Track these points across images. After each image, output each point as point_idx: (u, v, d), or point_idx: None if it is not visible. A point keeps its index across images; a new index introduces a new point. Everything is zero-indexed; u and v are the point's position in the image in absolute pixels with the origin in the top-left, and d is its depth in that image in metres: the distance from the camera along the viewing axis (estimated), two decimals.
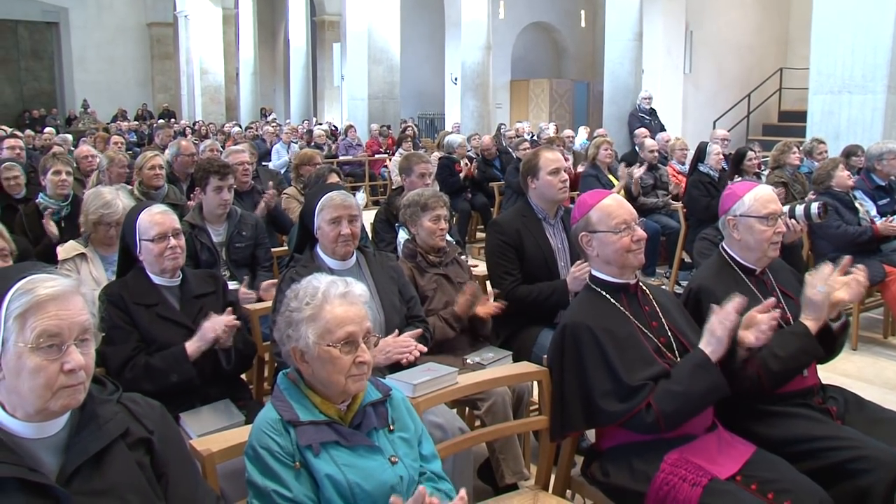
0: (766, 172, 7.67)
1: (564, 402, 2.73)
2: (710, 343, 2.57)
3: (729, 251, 3.13)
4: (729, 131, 13.12)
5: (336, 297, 2.13)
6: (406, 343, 3.13)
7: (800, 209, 4.46)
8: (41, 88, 29.44)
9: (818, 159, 7.52)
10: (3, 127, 16.62)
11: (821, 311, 2.77)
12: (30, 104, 28.36)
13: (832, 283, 2.77)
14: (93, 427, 1.74)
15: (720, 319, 2.56)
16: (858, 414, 2.96)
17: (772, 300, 2.68)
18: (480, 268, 4.46)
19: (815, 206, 4.45)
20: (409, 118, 21.25)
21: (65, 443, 1.72)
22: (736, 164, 7.37)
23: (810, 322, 2.77)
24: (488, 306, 3.78)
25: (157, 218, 3.21)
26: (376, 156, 14.60)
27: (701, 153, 7.46)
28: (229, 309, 3.19)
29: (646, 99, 12.75)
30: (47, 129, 15.70)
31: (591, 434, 3.32)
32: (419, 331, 3.26)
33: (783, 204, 3.81)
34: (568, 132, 12.96)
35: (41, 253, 4.84)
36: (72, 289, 1.69)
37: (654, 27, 16.54)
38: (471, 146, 12.18)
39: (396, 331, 3.24)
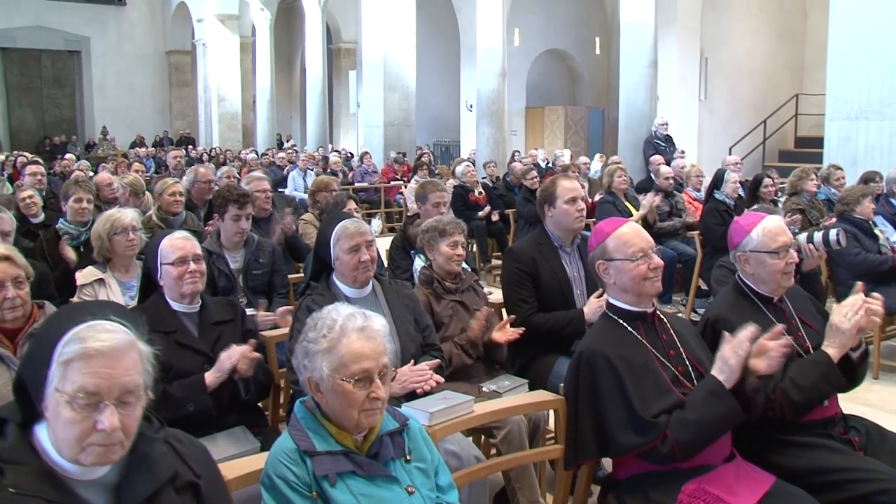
0: (783, 199, 7.64)
1: (578, 430, 2.72)
2: (723, 371, 2.55)
3: (745, 280, 3.11)
4: (744, 158, 13.15)
5: (354, 331, 2.12)
6: (422, 372, 3.12)
7: (818, 236, 4.43)
8: (62, 115, 29.83)
9: (835, 185, 7.49)
10: (25, 153, 16.85)
11: (847, 340, 2.74)
12: (51, 131, 28.71)
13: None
14: (143, 469, 1.71)
15: (733, 348, 2.54)
16: (881, 445, 2.91)
17: (781, 327, 2.64)
18: (496, 295, 4.45)
19: (833, 233, 4.41)
20: (425, 145, 21.32)
21: (114, 483, 1.69)
22: (753, 190, 7.34)
23: (833, 350, 2.75)
24: (506, 331, 3.76)
25: (178, 243, 3.25)
26: (392, 182, 14.64)
27: (717, 180, 7.44)
28: (252, 342, 3.19)
29: (662, 125, 12.74)
30: (67, 156, 15.86)
31: (607, 463, 3.29)
32: (436, 361, 3.25)
33: (801, 231, 3.79)
34: (583, 159, 12.99)
35: (59, 278, 4.88)
36: (125, 345, 1.65)
37: (669, 54, 16.58)
38: (486, 173, 12.22)
39: (412, 360, 3.24)
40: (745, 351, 2.53)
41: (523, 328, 3.80)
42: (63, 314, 1.74)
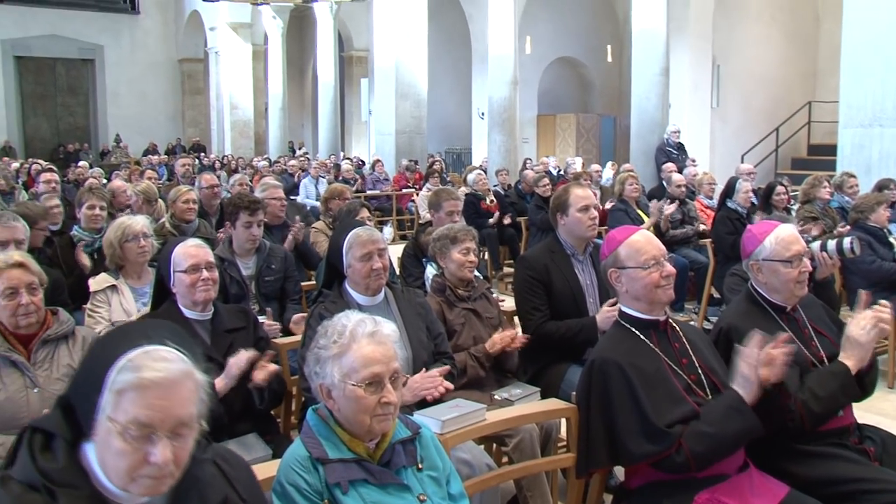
0: (795, 207, 7.60)
1: (590, 439, 2.71)
2: (743, 385, 2.54)
3: (758, 289, 3.09)
4: (757, 165, 13.08)
5: (364, 337, 2.13)
6: (433, 379, 3.12)
7: (832, 244, 4.40)
8: (76, 123, 30.01)
9: (849, 193, 7.45)
10: (40, 161, 16.96)
11: (866, 353, 2.72)
12: (65, 139, 28.88)
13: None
14: (193, 494, 1.67)
15: (747, 361, 2.53)
16: None
17: (786, 335, 2.63)
18: (508, 303, 4.44)
19: (847, 241, 4.38)
20: (436, 153, 21.35)
21: None
22: (765, 198, 7.31)
23: (850, 362, 2.73)
24: (504, 333, 3.77)
25: (191, 251, 3.27)
26: (403, 190, 14.67)
27: (730, 189, 7.41)
28: (270, 353, 3.20)
29: (674, 133, 12.71)
30: (81, 163, 15.95)
31: (619, 472, 3.28)
32: (446, 368, 3.25)
33: (814, 239, 3.78)
34: (595, 167, 12.97)
35: (73, 284, 4.91)
36: (181, 375, 1.58)
37: (681, 61, 16.55)
38: (498, 181, 12.21)
39: (424, 368, 3.24)
40: (757, 360, 2.52)
41: (527, 335, 3.79)
42: (117, 336, 1.66)
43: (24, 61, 28.56)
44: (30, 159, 20.01)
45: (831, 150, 10.32)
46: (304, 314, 4.26)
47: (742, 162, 14.97)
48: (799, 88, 18.62)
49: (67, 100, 29.90)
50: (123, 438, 1.52)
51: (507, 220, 9.85)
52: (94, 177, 10.69)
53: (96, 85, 29.87)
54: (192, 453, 1.65)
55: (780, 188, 7.32)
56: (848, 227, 6.09)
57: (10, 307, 3.02)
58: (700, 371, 2.75)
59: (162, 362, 1.57)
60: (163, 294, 3.35)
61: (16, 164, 17.19)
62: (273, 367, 3.14)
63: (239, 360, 3.08)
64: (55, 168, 10.36)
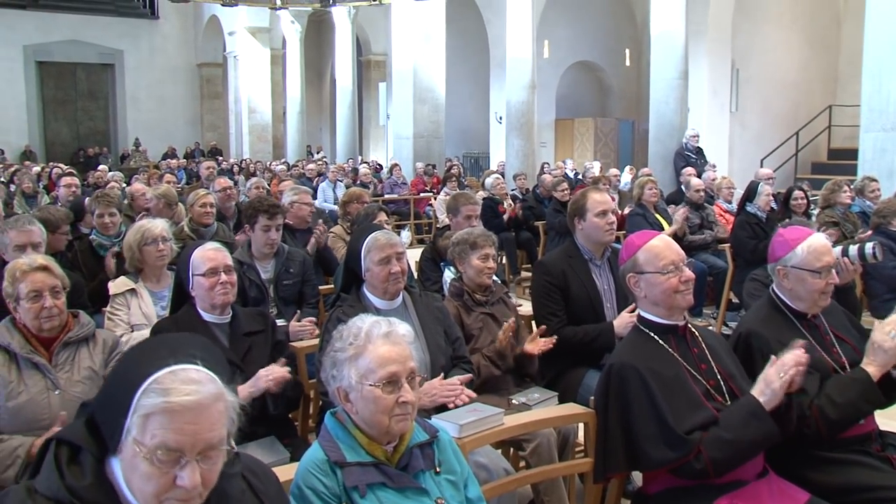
0: (815, 212, 7.55)
1: (608, 444, 2.70)
2: (765, 393, 2.52)
3: (780, 295, 3.06)
4: (776, 170, 13.00)
5: (379, 337, 2.14)
6: (453, 387, 3.11)
7: (853, 249, 4.36)
8: (96, 127, 30.25)
9: (870, 198, 7.38)
10: (60, 165, 17.10)
11: (889, 359, 2.70)
12: (85, 143, 29.10)
13: None
14: None
15: (778, 370, 2.51)
16: None
17: (804, 342, 2.61)
18: (526, 307, 4.44)
19: (869, 246, 4.34)
20: (454, 157, 21.36)
21: None
22: (786, 203, 7.26)
23: (872, 369, 2.70)
24: (538, 342, 3.75)
25: (209, 254, 3.28)
26: (421, 194, 14.67)
27: (750, 193, 7.36)
28: (282, 360, 3.20)
29: (693, 137, 12.66)
30: (101, 167, 16.07)
31: (637, 477, 3.27)
32: (468, 376, 3.23)
33: (835, 244, 3.74)
34: (613, 171, 12.94)
35: (95, 288, 4.94)
36: (211, 399, 1.52)
37: (700, 66, 16.49)
38: (516, 185, 12.20)
39: (442, 373, 3.23)
40: (791, 376, 2.50)
41: (555, 337, 3.79)
42: (142, 353, 1.61)
43: (45, 66, 28.84)
44: (50, 163, 20.19)
45: (852, 154, 10.24)
46: (308, 321, 4.29)
47: (761, 166, 14.89)
48: (819, 92, 18.51)
49: (87, 104, 30.15)
50: (151, 462, 1.48)
51: (518, 211, 9.86)
52: (115, 181, 10.75)
53: (116, 89, 30.10)
54: (222, 468, 1.61)
55: (797, 192, 7.27)
56: (869, 232, 6.03)
57: (33, 310, 3.05)
58: (719, 376, 2.73)
59: (191, 385, 1.52)
60: (181, 297, 3.36)
61: (37, 168, 17.34)
62: (284, 371, 3.14)
63: (270, 372, 3.08)
64: (75, 172, 10.45)
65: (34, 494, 1.53)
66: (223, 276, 3.23)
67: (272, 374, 3.09)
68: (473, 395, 3.13)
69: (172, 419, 1.48)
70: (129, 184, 10.01)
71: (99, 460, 1.57)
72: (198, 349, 1.60)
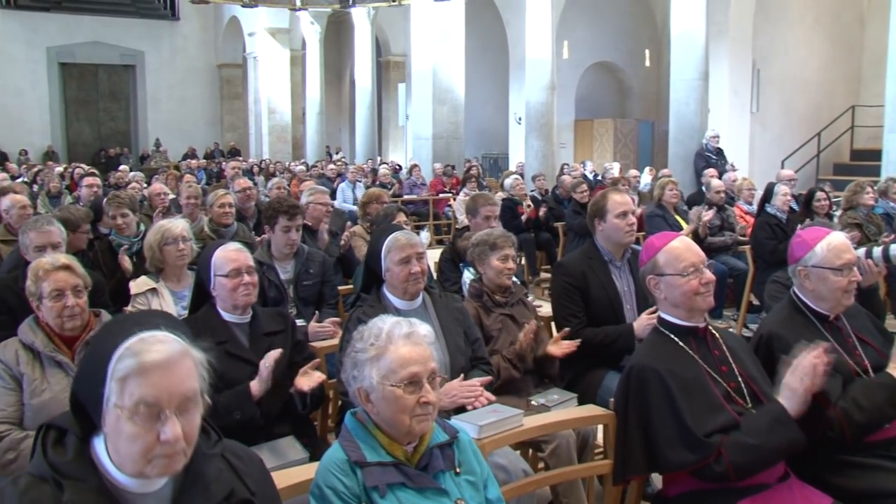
0: (838, 213, 7.48)
1: (628, 445, 2.69)
2: (789, 398, 2.50)
3: (801, 296, 3.03)
4: (798, 171, 12.90)
5: (400, 338, 2.14)
6: (472, 388, 3.11)
7: (877, 251, 4.32)
8: (117, 128, 30.50)
9: (894, 200, 7.32)
10: (82, 165, 17.25)
11: None
12: (106, 143, 29.34)
13: None
14: (199, 488, 1.71)
15: (800, 375, 2.49)
16: None
17: (826, 344, 2.59)
18: (545, 308, 4.43)
19: (894, 248, 4.31)
20: (473, 157, 21.34)
21: (170, 499, 1.68)
22: (807, 204, 7.20)
23: None
24: (562, 345, 3.74)
25: (231, 255, 3.29)
26: (440, 195, 14.67)
27: (769, 194, 7.32)
28: (316, 362, 3.22)
29: (713, 137, 12.58)
30: (122, 167, 16.19)
31: (657, 480, 3.25)
32: (488, 378, 3.23)
33: (858, 246, 3.71)
34: (633, 172, 12.89)
35: (114, 287, 4.97)
36: (178, 355, 1.63)
37: (720, 66, 16.39)
38: (535, 186, 12.18)
39: (462, 374, 3.23)
40: (813, 380, 2.48)
41: (579, 339, 3.78)
42: (111, 328, 1.72)
43: (67, 68, 29.12)
44: (72, 163, 20.36)
45: (875, 155, 10.16)
46: (329, 321, 4.30)
47: (782, 167, 14.79)
48: (842, 92, 18.35)
49: (109, 105, 30.40)
50: (133, 421, 1.57)
51: (542, 212, 9.84)
52: (136, 181, 10.84)
53: (137, 90, 30.34)
54: (199, 447, 1.70)
55: (820, 194, 7.22)
56: (894, 234, 5.98)
57: (56, 308, 3.08)
58: (740, 379, 2.71)
59: (159, 344, 1.62)
60: (201, 297, 3.38)
61: (59, 169, 17.49)
62: (319, 375, 3.16)
63: (267, 361, 3.09)
64: (97, 172, 10.53)
65: (21, 476, 1.63)
66: (246, 277, 3.24)
67: (269, 360, 3.07)
68: (493, 397, 3.13)
69: (147, 376, 1.58)
70: (149, 184, 10.07)
71: (83, 440, 1.66)
72: (160, 319, 1.70)
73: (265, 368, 3.07)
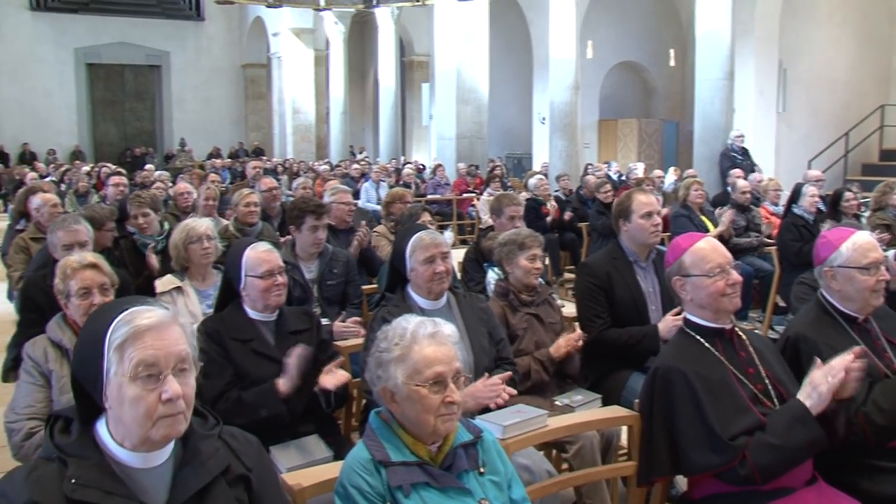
0: (866, 214, 7.39)
1: (652, 447, 2.67)
2: (811, 397, 2.48)
3: (829, 298, 3.00)
4: (825, 171, 12.76)
5: (425, 338, 2.15)
6: (494, 386, 3.10)
7: None
8: (142, 128, 30.81)
9: None
10: (109, 164, 17.41)
11: None
12: (132, 143, 29.66)
13: None
14: (196, 463, 1.79)
15: (825, 374, 2.46)
16: None
17: (860, 348, 2.56)
18: (569, 309, 4.42)
19: None
20: (497, 157, 21.32)
21: (169, 477, 1.76)
22: (833, 205, 7.13)
23: None
24: (575, 336, 3.75)
25: (263, 255, 3.29)
26: (464, 195, 14.66)
27: (796, 195, 7.25)
28: (340, 360, 3.24)
29: (738, 137, 12.48)
30: (147, 167, 16.32)
31: (681, 482, 3.23)
32: (508, 374, 3.23)
33: (888, 248, 3.67)
34: (657, 172, 12.82)
35: (141, 285, 5.01)
36: (169, 319, 1.75)
37: (746, 66, 16.25)
38: (559, 186, 12.15)
39: (486, 374, 3.23)
40: (839, 379, 2.45)
41: (579, 332, 3.78)
42: (100, 312, 1.83)
43: (94, 68, 29.47)
44: (99, 163, 20.57)
45: None
46: (354, 319, 4.31)
47: (809, 168, 14.65)
48: (871, 92, 18.13)
49: (134, 105, 30.73)
50: (135, 384, 1.67)
51: (567, 216, 9.81)
52: (161, 180, 10.92)
53: (162, 90, 30.64)
54: (197, 428, 1.83)
55: (848, 194, 7.13)
56: None
57: (83, 306, 3.11)
58: (767, 381, 2.69)
59: (149, 311, 1.75)
60: (228, 295, 3.38)
61: (86, 168, 17.67)
62: (343, 373, 3.17)
63: (292, 358, 3.11)
64: (124, 171, 10.62)
65: (35, 461, 1.73)
66: (278, 279, 3.26)
67: (293, 357, 3.09)
68: (513, 391, 3.11)
69: (143, 339, 1.69)
70: (174, 183, 10.14)
71: (86, 423, 1.76)
72: (142, 300, 1.82)
73: (292, 366, 3.08)
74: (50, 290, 3.37)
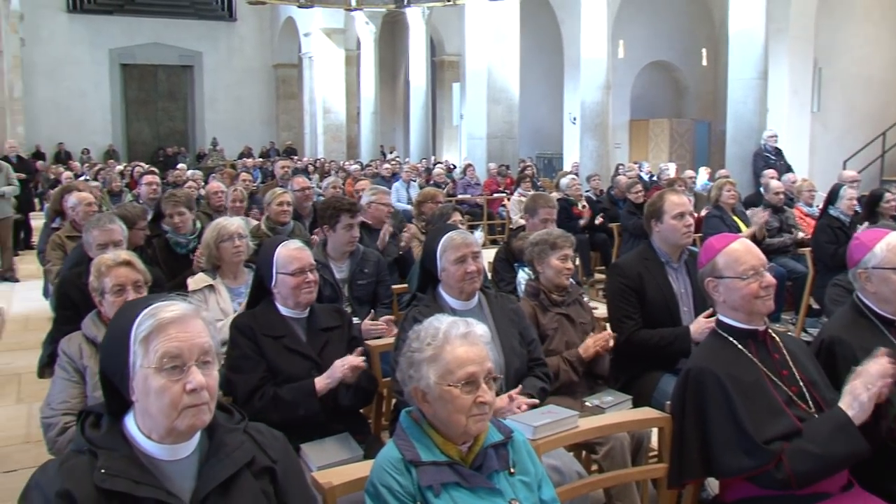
0: None
1: (684, 449, 2.65)
2: (853, 406, 2.44)
3: (864, 300, 2.96)
4: (860, 172, 12.58)
5: (457, 338, 2.15)
6: (514, 403, 3.06)
7: None
8: (175, 127, 31.17)
9: None
10: (142, 164, 17.61)
11: None
12: (165, 142, 30.02)
13: None
14: (221, 455, 1.84)
15: (865, 382, 2.43)
16: None
17: (886, 349, 2.52)
18: (600, 310, 4.40)
19: None
20: (528, 157, 21.27)
21: (196, 468, 1.82)
22: (870, 207, 7.02)
23: None
24: (603, 336, 3.74)
25: (295, 253, 3.33)
26: (494, 195, 14.64)
27: (833, 195, 7.14)
28: (359, 350, 3.26)
29: (771, 137, 12.34)
30: (179, 166, 16.48)
31: (712, 485, 3.20)
32: (534, 401, 3.13)
33: None
34: (689, 173, 12.72)
35: (178, 286, 5.05)
36: (192, 312, 1.81)
37: (780, 65, 16.07)
38: (590, 186, 12.10)
39: (516, 378, 3.21)
40: (879, 387, 2.42)
41: (614, 333, 3.76)
42: (126, 308, 1.89)
43: (128, 69, 29.89)
44: (132, 162, 20.80)
45: None
46: (385, 317, 4.32)
47: (844, 168, 14.45)
48: None
49: (167, 105, 31.11)
50: (160, 375, 1.73)
51: (599, 221, 9.79)
52: (194, 180, 11.03)
53: (194, 90, 31.00)
54: (222, 422, 1.88)
55: (888, 195, 7.01)
56: None
57: (117, 303, 3.15)
58: (801, 383, 2.66)
59: (172, 305, 1.81)
60: (260, 293, 3.41)
61: (119, 167, 17.88)
62: (358, 360, 3.18)
63: (345, 362, 3.14)
64: (157, 170, 10.73)
65: (67, 454, 1.79)
66: (309, 276, 3.30)
67: (347, 362, 3.14)
68: (535, 401, 3.07)
69: (167, 331, 1.75)
70: (206, 182, 10.22)
71: (115, 417, 1.82)
72: (167, 296, 1.88)
73: (341, 370, 3.12)
74: (85, 288, 3.41)
